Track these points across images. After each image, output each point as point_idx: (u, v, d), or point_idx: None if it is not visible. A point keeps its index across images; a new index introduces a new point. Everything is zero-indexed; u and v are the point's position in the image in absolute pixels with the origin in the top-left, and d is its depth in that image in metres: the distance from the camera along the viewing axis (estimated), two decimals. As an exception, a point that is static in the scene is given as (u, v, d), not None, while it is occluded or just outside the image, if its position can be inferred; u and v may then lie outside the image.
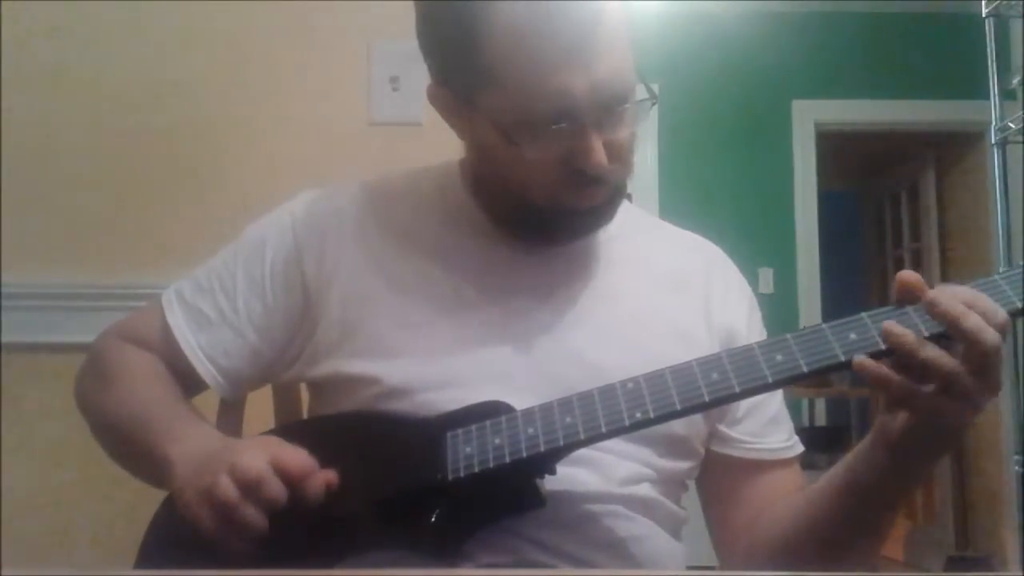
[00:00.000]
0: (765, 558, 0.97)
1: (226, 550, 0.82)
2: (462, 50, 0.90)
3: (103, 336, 1.10)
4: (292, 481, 0.82)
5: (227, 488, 0.81)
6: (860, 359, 0.79)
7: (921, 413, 0.79)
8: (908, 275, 0.82)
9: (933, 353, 0.77)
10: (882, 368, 0.78)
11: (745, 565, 1.01)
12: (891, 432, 0.82)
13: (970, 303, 0.78)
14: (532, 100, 0.87)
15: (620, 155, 0.93)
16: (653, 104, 0.93)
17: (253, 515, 0.81)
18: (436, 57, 0.96)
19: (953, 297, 0.79)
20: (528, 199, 0.95)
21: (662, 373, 0.84)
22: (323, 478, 0.84)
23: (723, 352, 0.84)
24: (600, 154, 0.90)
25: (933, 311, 0.79)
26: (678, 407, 0.82)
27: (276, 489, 0.81)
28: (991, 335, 0.76)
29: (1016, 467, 2.45)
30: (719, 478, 1.04)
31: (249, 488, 0.81)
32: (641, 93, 0.93)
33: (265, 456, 0.82)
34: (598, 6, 0.89)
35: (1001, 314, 0.78)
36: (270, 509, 0.81)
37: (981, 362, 0.77)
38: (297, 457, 0.83)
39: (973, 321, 0.77)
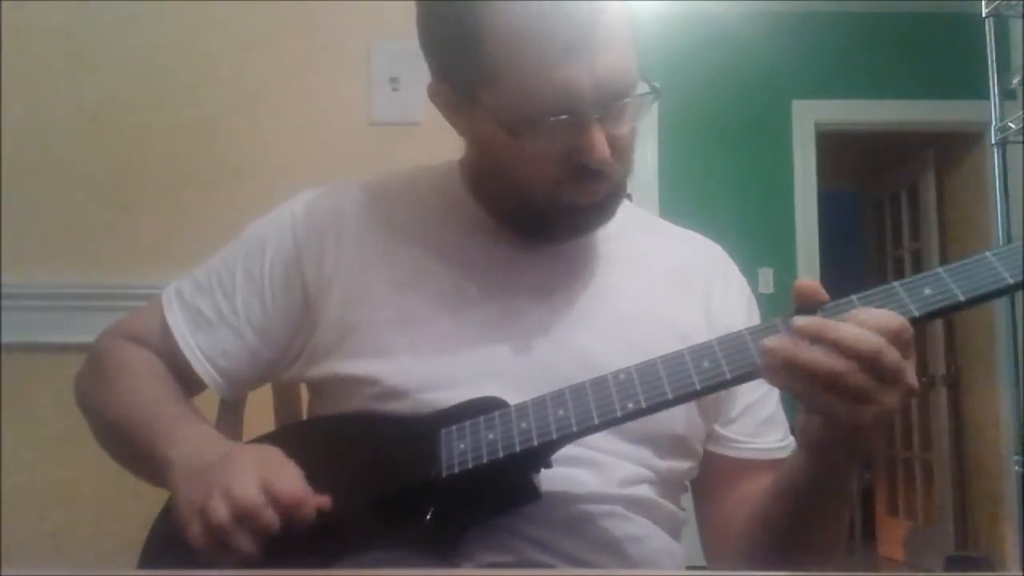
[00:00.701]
0: (735, 556, 0.97)
1: (211, 565, 0.83)
2: (464, 45, 0.90)
3: (103, 335, 1.10)
4: (284, 510, 0.82)
5: (221, 513, 0.81)
6: (767, 362, 0.78)
7: (820, 413, 0.79)
8: (807, 285, 0.81)
9: (809, 356, 0.76)
10: (782, 371, 0.77)
11: (724, 564, 1.01)
12: (808, 434, 0.82)
13: (852, 315, 0.77)
14: (535, 94, 0.88)
15: (621, 151, 0.93)
16: (655, 99, 0.93)
17: (245, 542, 0.82)
18: (437, 53, 0.96)
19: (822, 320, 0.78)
20: (530, 195, 0.95)
21: (654, 363, 0.84)
22: (315, 504, 0.84)
23: (714, 340, 0.84)
24: (603, 148, 0.90)
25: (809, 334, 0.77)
26: (670, 396, 0.82)
27: (269, 519, 0.82)
28: (864, 339, 0.75)
29: (1016, 467, 2.46)
30: (712, 477, 1.04)
31: (243, 517, 0.81)
32: (642, 88, 0.93)
33: (259, 482, 0.83)
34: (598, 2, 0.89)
35: (894, 320, 0.77)
36: (262, 536, 0.82)
37: (868, 365, 0.75)
38: (290, 485, 0.84)
39: (840, 330, 0.76)
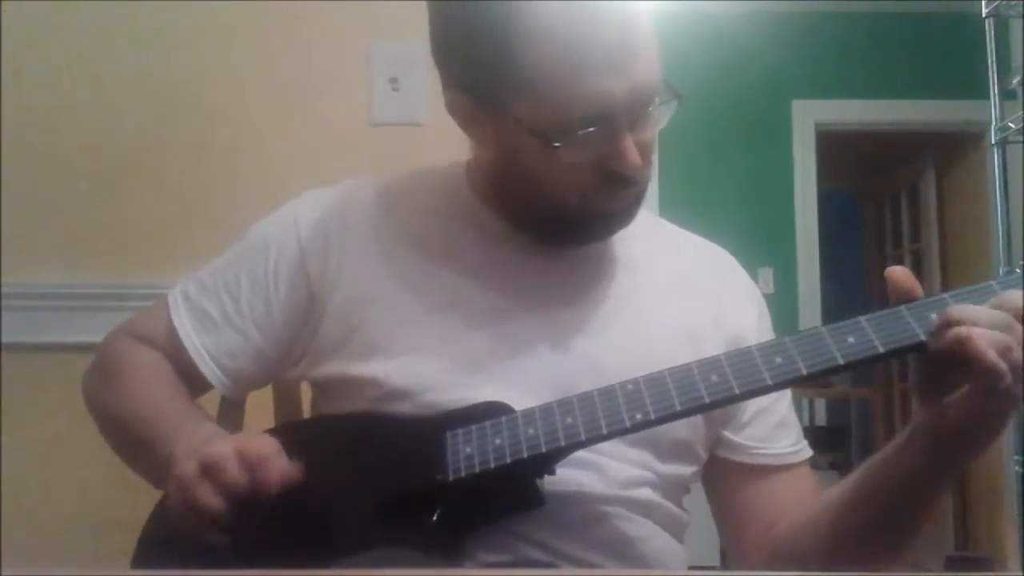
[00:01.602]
0: (791, 562, 0.96)
1: (192, 534, 0.83)
2: (493, 54, 0.88)
3: (111, 335, 1.10)
4: (251, 464, 0.82)
5: (188, 467, 0.82)
6: (958, 333, 0.75)
7: (998, 401, 0.77)
8: (899, 273, 0.81)
9: (991, 333, 0.75)
10: (986, 343, 0.74)
11: (764, 568, 1.00)
12: (941, 427, 0.81)
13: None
14: (571, 103, 0.87)
15: (647, 155, 0.93)
16: (678, 103, 0.93)
17: (208, 494, 0.82)
18: (459, 63, 0.94)
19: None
20: (557, 202, 0.94)
21: (662, 375, 0.84)
22: (282, 464, 0.83)
23: (722, 355, 0.84)
24: (635, 155, 0.90)
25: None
26: (678, 408, 0.82)
27: (233, 471, 0.82)
28: None
29: (1016, 467, 2.45)
30: (727, 483, 1.04)
31: (207, 468, 0.82)
32: (665, 93, 0.92)
33: (232, 443, 0.83)
34: (629, 7, 0.89)
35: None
36: (228, 492, 0.82)
37: None
38: (260, 442, 0.84)
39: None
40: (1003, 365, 0.74)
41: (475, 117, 0.96)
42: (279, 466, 0.83)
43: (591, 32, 0.86)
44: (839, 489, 0.94)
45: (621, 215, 0.97)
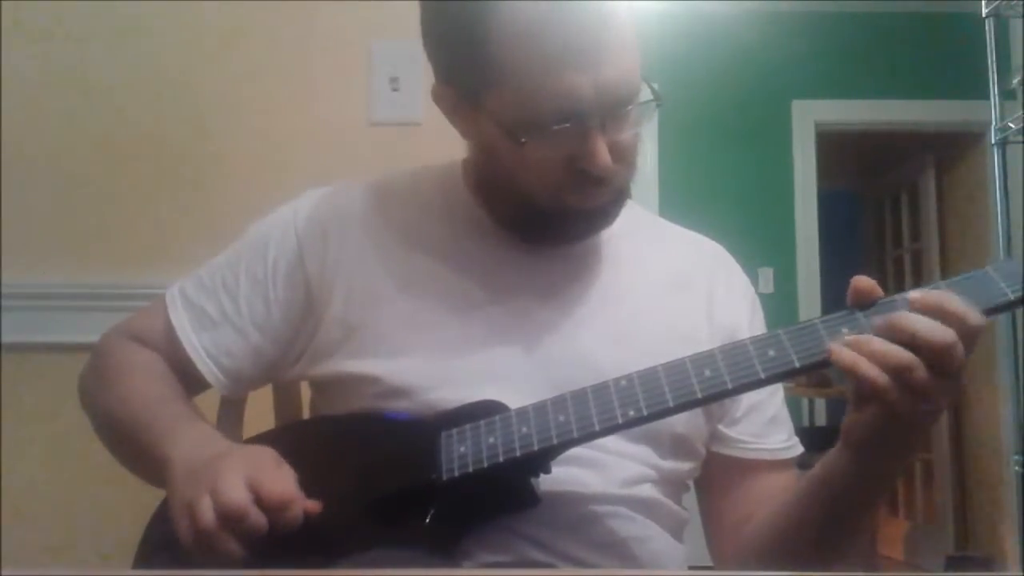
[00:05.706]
0: (752, 559, 0.97)
1: (204, 563, 0.82)
2: (469, 49, 0.89)
3: (107, 334, 1.10)
4: (270, 511, 0.82)
5: (207, 515, 0.81)
6: (837, 347, 0.78)
7: (887, 408, 0.78)
8: (862, 281, 0.81)
9: (881, 346, 0.76)
10: (857, 357, 0.77)
11: (734, 565, 1.01)
12: (857, 431, 0.82)
13: (933, 304, 0.77)
14: (538, 100, 0.87)
15: (624, 156, 0.93)
16: (658, 106, 0.93)
17: (229, 544, 0.81)
18: (442, 56, 0.95)
19: (907, 312, 0.78)
20: (532, 199, 0.95)
21: (655, 370, 0.84)
22: (302, 506, 0.83)
23: (716, 349, 0.84)
24: (604, 155, 0.90)
25: (883, 325, 0.78)
26: (671, 404, 0.82)
27: (254, 521, 0.81)
28: (939, 332, 0.75)
29: (1016, 467, 2.45)
30: (717, 477, 1.04)
31: (228, 520, 0.81)
32: (645, 94, 0.93)
33: (245, 483, 0.82)
34: (606, 7, 0.89)
35: (970, 314, 0.76)
36: (248, 538, 0.81)
37: (936, 359, 0.75)
38: (277, 487, 0.83)
39: (917, 322, 0.76)
40: (882, 379, 0.75)
41: (457, 109, 0.97)
42: (299, 507, 0.83)
43: (563, 29, 0.86)
44: (794, 487, 0.95)
45: (598, 214, 0.97)
